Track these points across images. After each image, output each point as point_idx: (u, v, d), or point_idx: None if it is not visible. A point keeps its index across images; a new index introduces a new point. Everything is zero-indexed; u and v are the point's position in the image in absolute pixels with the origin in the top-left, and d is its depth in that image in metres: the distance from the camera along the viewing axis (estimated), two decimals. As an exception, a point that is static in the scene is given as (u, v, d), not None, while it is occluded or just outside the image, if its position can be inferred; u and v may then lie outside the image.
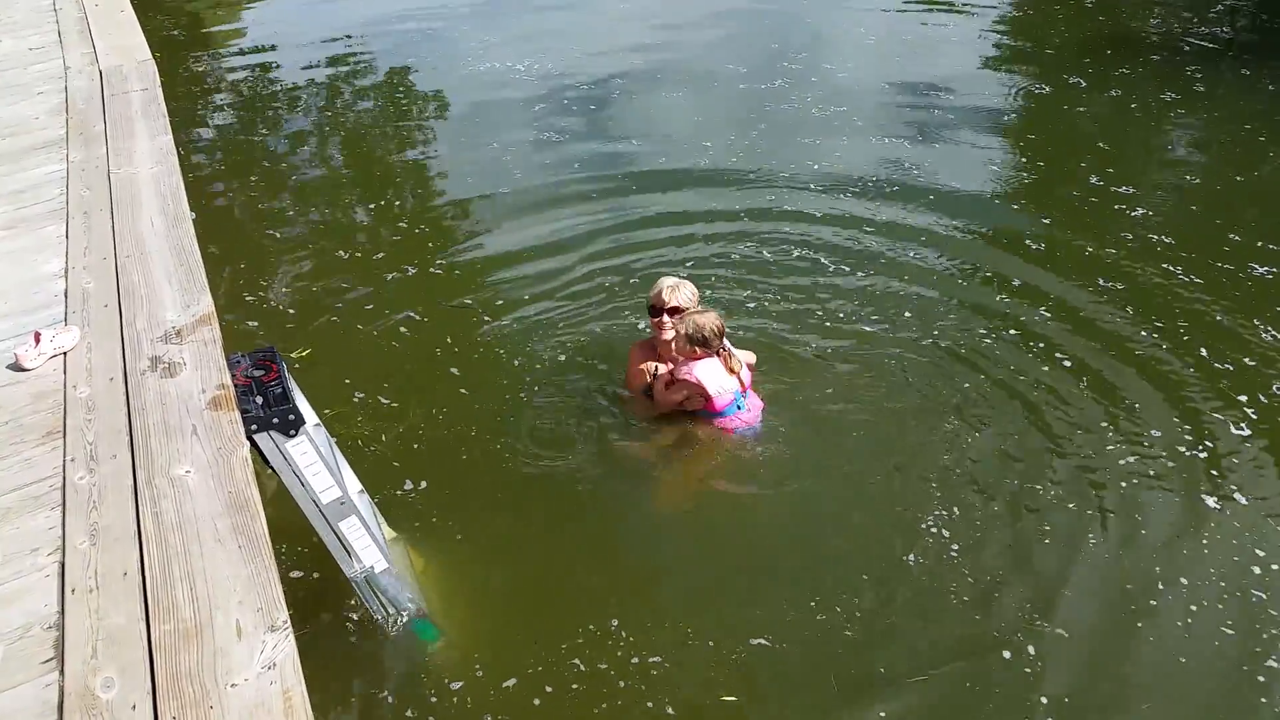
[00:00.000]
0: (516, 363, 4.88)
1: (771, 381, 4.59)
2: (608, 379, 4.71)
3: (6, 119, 4.60)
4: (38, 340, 2.83)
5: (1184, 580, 3.61)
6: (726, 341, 4.18)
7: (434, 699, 3.24)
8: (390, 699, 3.27)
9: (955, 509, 3.93)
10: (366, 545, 3.09)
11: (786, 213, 6.31)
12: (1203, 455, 4.19)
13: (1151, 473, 4.10)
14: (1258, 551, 3.72)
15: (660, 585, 3.75)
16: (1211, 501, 3.95)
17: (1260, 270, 5.48)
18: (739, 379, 4.21)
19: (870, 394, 4.59)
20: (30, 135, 4.40)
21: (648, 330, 4.61)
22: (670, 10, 11.07)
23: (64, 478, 2.41)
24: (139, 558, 2.16)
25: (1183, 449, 4.22)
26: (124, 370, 2.77)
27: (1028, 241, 5.94)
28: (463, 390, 4.70)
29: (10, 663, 1.96)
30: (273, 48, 10.27)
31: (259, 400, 2.77)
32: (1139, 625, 3.45)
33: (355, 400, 4.62)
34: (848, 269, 5.63)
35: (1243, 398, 4.49)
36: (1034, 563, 3.73)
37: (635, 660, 3.35)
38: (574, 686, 3.27)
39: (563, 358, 4.90)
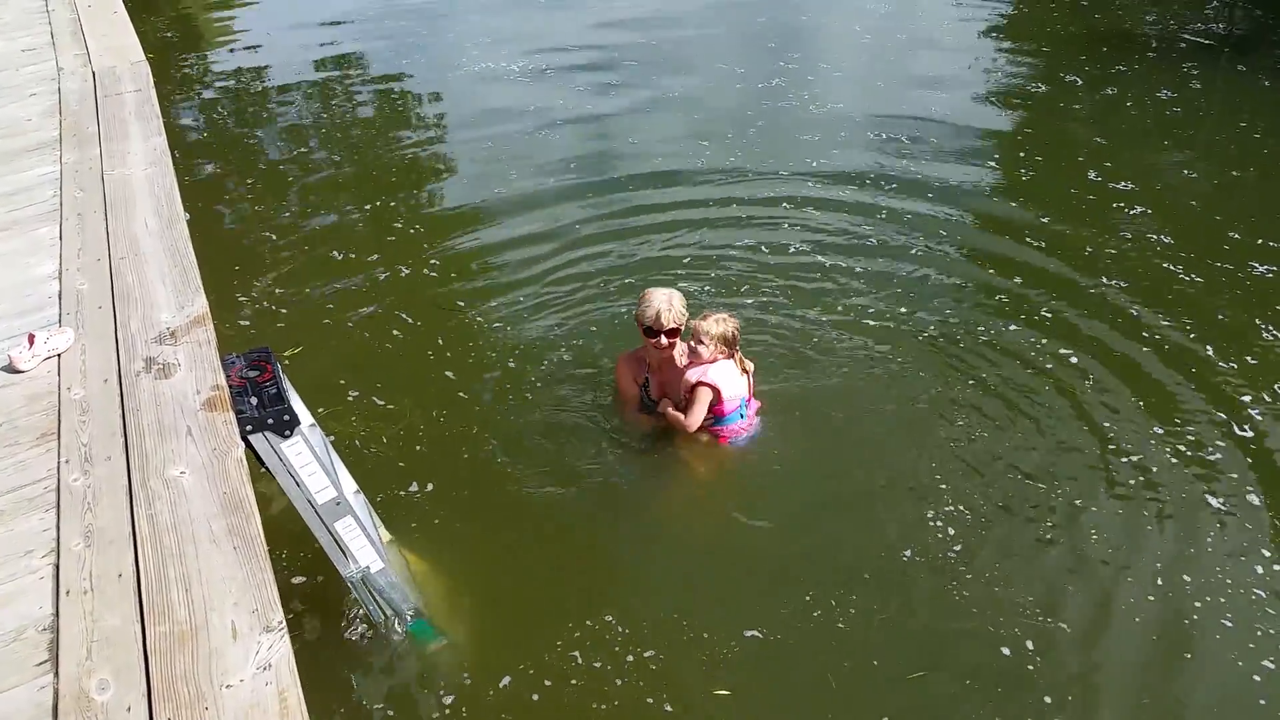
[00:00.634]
0: (512, 364, 4.86)
1: (771, 382, 4.58)
2: (607, 379, 4.70)
3: (-1, 121, 4.59)
4: (32, 342, 2.82)
5: (1187, 578, 3.60)
6: None
7: (433, 699, 3.23)
8: (389, 699, 3.25)
9: (956, 506, 3.92)
10: (362, 546, 3.08)
11: (786, 212, 6.31)
12: (1204, 455, 4.18)
13: (1154, 470, 4.09)
14: (1262, 552, 3.71)
15: (657, 583, 3.74)
16: (1215, 501, 3.94)
17: (1260, 270, 5.48)
18: (749, 380, 4.21)
19: (869, 394, 4.59)
20: (23, 137, 4.38)
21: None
22: (668, 8, 11.08)
23: (58, 480, 2.40)
24: (134, 559, 2.15)
25: (1184, 449, 4.21)
26: (118, 372, 2.76)
27: (1027, 240, 5.93)
28: (461, 394, 4.68)
29: (4, 665, 1.94)
30: (266, 49, 10.27)
31: (254, 401, 2.75)
32: (1139, 621, 3.45)
33: (350, 399, 4.61)
34: (846, 268, 5.63)
35: (1246, 397, 4.48)
36: (1035, 560, 3.72)
37: (631, 658, 3.35)
38: (571, 683, 3.27)
39: (560, 359, 4.89)
